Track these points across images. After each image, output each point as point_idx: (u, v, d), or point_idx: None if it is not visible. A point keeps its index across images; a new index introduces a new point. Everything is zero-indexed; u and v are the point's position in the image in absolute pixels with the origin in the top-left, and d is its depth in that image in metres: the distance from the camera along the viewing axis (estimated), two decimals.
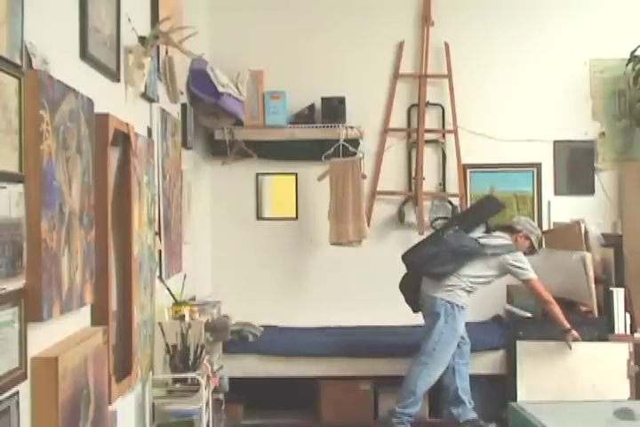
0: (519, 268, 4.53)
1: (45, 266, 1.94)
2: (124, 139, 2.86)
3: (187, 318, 3.64)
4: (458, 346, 4.57)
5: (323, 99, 5.36)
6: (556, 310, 4.52)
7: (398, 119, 5.53)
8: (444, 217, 5.39)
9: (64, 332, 2.21)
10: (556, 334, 4.60)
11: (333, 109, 5.35)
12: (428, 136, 5.49)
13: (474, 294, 4.59)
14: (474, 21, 5.48)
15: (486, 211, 4.84)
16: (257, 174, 5.49)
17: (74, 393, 2.12)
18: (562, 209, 5.43)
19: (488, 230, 4.73)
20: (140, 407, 3.22)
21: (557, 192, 5.54)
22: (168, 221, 3.82)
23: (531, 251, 4.66)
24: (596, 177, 5.53)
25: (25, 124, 1.87)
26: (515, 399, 4.39)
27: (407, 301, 4.66)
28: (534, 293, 4.58)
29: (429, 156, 5.52)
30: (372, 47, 5.50)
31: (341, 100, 5.35)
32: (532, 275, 4.52)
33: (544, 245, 5.36)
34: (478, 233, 4.67)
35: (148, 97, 3.36)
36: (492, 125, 5.46)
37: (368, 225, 5.29)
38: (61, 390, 1.99)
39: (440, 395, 4.68)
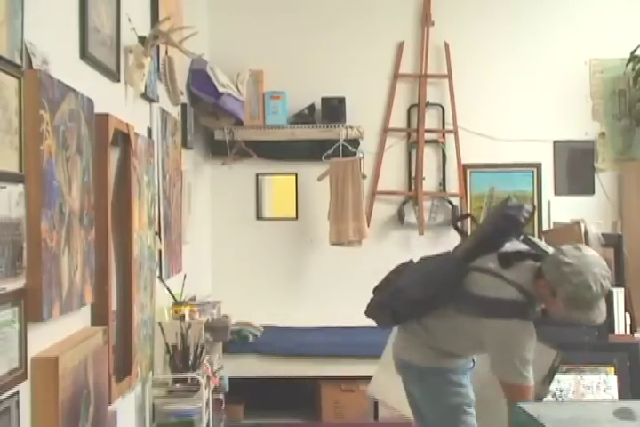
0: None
1: (45, 266, 1.94)
2: (123, 139, 2.86)
3: (187, 318, 3.64)
4: None
5: (323, 99, 5.36)
6: None
7: (398, 119, 5.53)
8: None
9: (64, 332, 2.21)
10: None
11: (333, 109, 5.35)
12: (428, 136, 5.49)
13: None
14: (474, 21, 5.48)
15: (488, 232, 2.98)
16: (257, 174, 5.49)
17: (74, 393, 2.12)
18: (562, 209, 5.43)
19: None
20: (140, 407, 3.22)
21: (557, 192, 5.54)
22: (168, 221, 3.82)
23: (546, 314, 2.94)
24: (596, 177, 5.53)
25: (25, 124, 1.87)
26: None
27: None
28: (514, 398, 2.71)
29: (429, 156, 5.52)
30: (372, 47, 5.50)
31: (341, 100, 5.36)
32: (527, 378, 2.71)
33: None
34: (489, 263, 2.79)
35: (147, 97, 3.36)
36: (492, 125, 5.47)
37: (368, 225, 5.30)
38: (61, 390, 1.99)
39: None
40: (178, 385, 3.43)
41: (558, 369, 3.22)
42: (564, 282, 2.58)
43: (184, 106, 4.50)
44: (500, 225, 2.99)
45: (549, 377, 3.12)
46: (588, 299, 2.57)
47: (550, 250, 2.77)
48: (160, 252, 3.64)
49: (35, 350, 1.95)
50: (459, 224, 3.90)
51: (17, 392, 1.83)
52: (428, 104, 5.49)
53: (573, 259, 2.59)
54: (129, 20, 3.01)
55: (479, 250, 2.81)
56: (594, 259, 2.61)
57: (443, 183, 5.51)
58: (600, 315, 2.63)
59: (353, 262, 5.40)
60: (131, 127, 2.88)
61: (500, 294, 2.68)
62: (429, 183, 5.48)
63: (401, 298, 2.88)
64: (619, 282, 4.82)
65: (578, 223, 4.91)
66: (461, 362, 2.95)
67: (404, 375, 3.03)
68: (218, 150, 5.30)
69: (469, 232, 3.48)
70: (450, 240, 5.42)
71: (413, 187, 5.46)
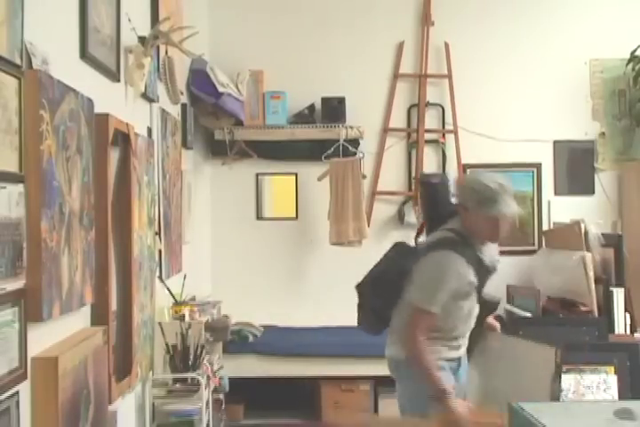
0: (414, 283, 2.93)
1: (45, 266, 1.94)
2: (123, 139, 2.86)
3: (187, 318, 3.64)
4: None
5: (323, 99, 5.36)
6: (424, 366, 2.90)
7: (398, 119, 5.53)
8: None
9: (64, 332, 2.21)
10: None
11: (333, 109, 5.34)
12: (428, 136, 5.49)
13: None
14: (474, 21, 5.48)
15: (424, 207, 3.46)
16: (257, 174, 5.49)
17: (74, 393, 2.12)
18: (562, 209, 5.43)
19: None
20: (140, 407, 3.22)
21: (557, 192, 5.54)
22: (168, 221, 3.82)
23: (491, 235, 2.98)
24: (596, 177, 5.53)
25: (25, 124, 1.87)
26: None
27: None
28: (409, 322, 2.91)
29: (429, 156, 5.51)
30: (372, 47, 5.50)
31: (341, 100, 5.35)
32: (417, 300, 2.89)
33: (544, 245, 5.37)
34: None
35: (147, 97, 3.36)
36: (492, 125, 5.47)
37: (368, 225, 5.30)
38: (61, 390, 1.99)
39: None
40: (178, 385, 3.43)
41: (562, 366, 3.27)
42: (467, 195, 2.98)
43: (184, 106, 4.50)
44: (424, 194, 3.44)
45: (557, 375, 3.16)
46: (490, 195, 2.94)
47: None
48: (160, 252, 3.64)
49: (35, 350, 1.95)
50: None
51: (17, 392, 1.83)
52: (427, 104, 5.49)
53: (467, 179, 3.29)
54: (129, 20, 3.01)
55: (432, 225, 3.16)
56: (484, 172, 3.18)
57: None
58: (509, 207, 2.97)
59: (353, 262, 5.38)
60: (131, 127, 2.88)
61: (433, 238, 3.06)
62: None
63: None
64: (619, 282, 4.83)
65: (578, 223, 4.91)
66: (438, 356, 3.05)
67: (390, 373, 3.17)
68: (218, 150, 5.30)
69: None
70: None
71: (413, 187, 5.46)
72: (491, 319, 3.34)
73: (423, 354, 2.89)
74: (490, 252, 3.06)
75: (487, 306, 3.18)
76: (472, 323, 3.10)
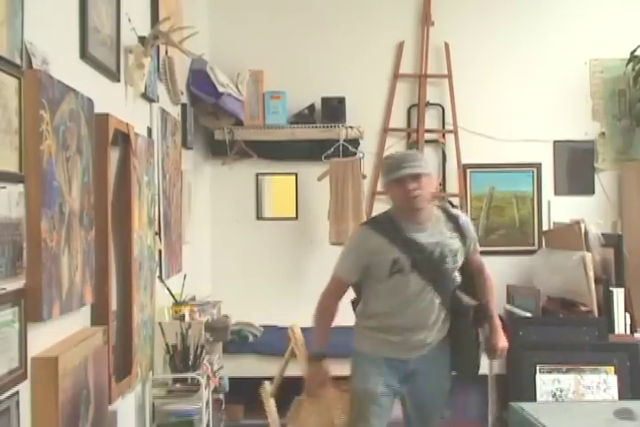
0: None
1: (45, 266, 1.94)
2: (123, 139, 2.86)
3: (187, 318, 3.64)
4: None
5: (323, 99, 5.36)
6: (315, 325, 3.28)
7: (398, 119, 5.53)
8: None
9: (64, 332, 2.21)
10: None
11: (333, 109, 5.34)
12: (428, 136, 5.49)
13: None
14: (474, 21, 5.48)
15: None
16: (257, 174, 5.49)
17: (74, 393, 2.12)
18: (562, 209, 5.42)
19: None
20: (140, 407, 3.22)
21: (557, 192, 5.53)
22: (168, 221, 3.82)
23: (401, 203, 3.08)
24: (596, 177, 5.53)
25: (25, 124, 1.87)
26: (515, 399, 4.38)
27: None
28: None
29: (429, 156, 5.50)
30: (372, 47, 5.50)
31: (341, 100, 5.35)
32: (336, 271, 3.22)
33: (544, 245, 5.37)
34: None
35: (147, 97, 3.36)
36: (492, 125, 5.46)
37: None
38: (61, 390, 1.99)
39: None
40: (178, 385, 3.43)
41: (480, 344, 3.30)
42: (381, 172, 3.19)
43: (184, 106, 4.50)
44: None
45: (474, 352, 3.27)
46: (384, 168, 3.11)
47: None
48: (160, 252, 3.64)
49: (35, 350, 1.95)
50: None
51: (17, 392, 1.83)
52: (428, 104, 5.49)
53: None
54: (129, 20, 3.01)
55: None
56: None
57: (443, 183, 5.51)
58: (397, 171, 3.01)
59: None
60: (131, 127, 2.88)
61: None
62: None
63: None
64: (619, 282, 4.83)
65: (578, 223, 4.91)
66: (381, 350, 3.15)
67: None
68: (218, 150, 5.30)
69: None
70: None
71: None
72: (500, 342, 3.29)
73: (321, 315, 3.22)
74: (436, 235, 3.08)
75: (458, 309, 3.16)
76: (418, 313, 3.08)
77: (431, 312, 3.08)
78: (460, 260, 3.15)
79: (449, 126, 5.48)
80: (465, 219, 3.26)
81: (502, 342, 3.30)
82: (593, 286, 4.70)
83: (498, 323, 3.30)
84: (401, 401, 3.26)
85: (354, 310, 3.34)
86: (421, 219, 3.07)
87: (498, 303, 5.13)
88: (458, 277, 3.17)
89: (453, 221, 3.16)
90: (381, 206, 5.48)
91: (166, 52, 3.66)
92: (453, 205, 5.47)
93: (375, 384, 3.12)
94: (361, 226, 3.25)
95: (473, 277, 3.29)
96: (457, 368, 3.22)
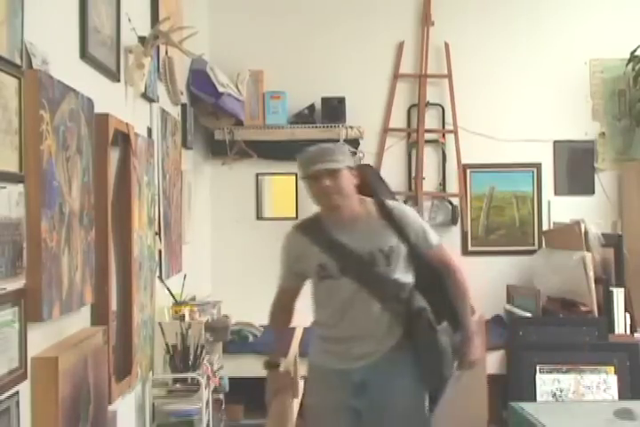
0: None
1: (45, 266, 1.94)
2: (123, 139, 2.86)
3: (187, 318, 3.64)
4: None
5: (323, 99, 5.36)
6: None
7: (398, 119, 5.53)
8: None
9: (64, 332, 2.21)
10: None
11: (333, 109, 5.34)
12: (428, 136, 5.49)
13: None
14: (474, 21, 5.48)
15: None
16: (257, 174, 5.49)
17: (74, 393, 2.12)
18: (562, 209, 5.42)
19: None
20: (140, 407, 3.22)
21: (557, 192, 5.53)
22: (168, 221, 3.82)
23: (318, 201, 2.86)
24: (596, 177, 5.53)
25: (25, 124, 1.87)
26: (515, 399, 4.39)
27: None
28: None
29: (429, 156, 5.51)
30: (372, 47, 5.50)
31: (341, 100, 5.35)
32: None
33: (544, 245, 5.37)
34: None
35: (147, 97, 3.36)
36: (492, 125, 5.46)
37: None
38: (61, 390, 1.99)
39: None
40: (178, 385, 3.43)
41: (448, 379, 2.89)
42: None
43: (184, 106, 4.50)
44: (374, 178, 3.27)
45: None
46: (304, 157, 2.81)
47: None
48: (160, 252, 3.64)
49: (35, 350, 1.95)
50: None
51: (17, 392, 1.83)
52: (427, 104, 5.49)
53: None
54: (129, 20, 3.01)
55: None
56: None
57: (443, 183, 5.51)
58: (309, 166, 2.77)
59: None
60: (131, 127, 2.88)
61: None
62: (429, 183, 5.48)
63: None
64: (619, 282, 4.83)
65: (578, 223, 4.91)
66: (328, 360, 2.89)
67: None
68: (218, 150, 5.30)
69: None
70: (450, 240, 5.43)
71: (413, 187, 5.46)
72: (470, 353, 2.91)
73: (271, 322, 3.25)
74: (366, 235, 2.80)
75: (411, 314, 2.80)
76: (355, 320, 2.81)
77: (370, 319, 2.78)
78: (402, 259, 2.81)
79: (449, 126, 5.48)
80: (401, 209, 2.92)
81: (473, 353, 2.90)
82: (593, 285, 4.70)
83: (472, 331, 2.91)
84: (361, 420, 2.83)
85: None
86: (346, 218, 2.80)
87: (499, 303, 5.23)
88: (406, 277, 2.82)
89: (387, 215, 2.84)
90: (404, 206, 5.49)
91: (166, 52, 3.66)
92: (453, 205, 5.48)
93: (324, 398, 2.86)
94: (289, 230, 2.99)
95: (442, 276, 2.91)
96: (423, 378, 2.82)
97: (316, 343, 2.97)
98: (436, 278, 2.89)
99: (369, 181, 2.94)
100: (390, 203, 2.91)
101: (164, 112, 3.76)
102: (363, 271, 2.78)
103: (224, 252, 5.47)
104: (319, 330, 2.96)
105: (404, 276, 2.82)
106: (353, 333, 2.81)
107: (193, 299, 4.22)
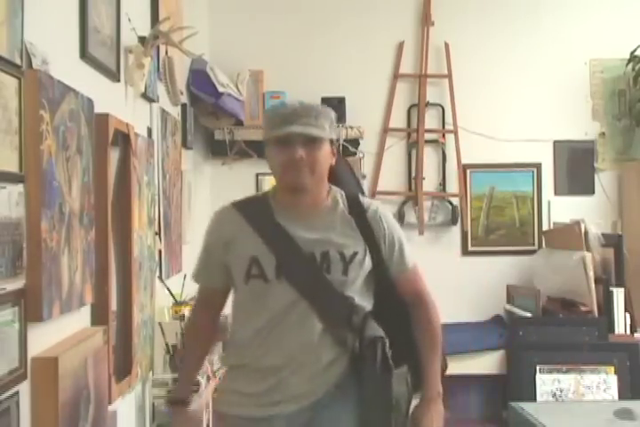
0: None
1: (45, 266, 1.94)
2: (123, 139, 2.85)
3: (187, 318, 3.64)
4: None
5: (323, 99, 5.35)
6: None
7: (398, 119, 5.53)
8: None
9: (64, 332, 2.21)
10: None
11: (333, 109, 5.31)
12: (428, 136, 5.49)
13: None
14: (474, 21, 5.48)
15: None
16: (257, 174, 5.49)
17: (74, 393, 2.12)
18: (562, 209, 5.42)
19: None
20: (140, 407, 3.22)
21: (557, 192, 5.53)
22: (168, 221, 3.82)
23: (277, 172, 2.36)
24: (596, 177, 5.53)
25: (25, 124, 1.87)
26: (515, 399, 4.39)
27: None
28: None
29: (429, 156, 5.51)
30: (372, 47, 5.50)
31: (341, 100, 5.35)
32: None
33: (544, 245, 5.37)
34: None
35: (148, 97, 3.36)
36: (492, 125, 5.46)
37: None
38: (61, 390, 1.99)
39: None
40: None
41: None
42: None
43: (184, 106, 4.50)
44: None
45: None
46: (274, 114, 2.22)
47: None
48: (160, 252, 3.64)
49: (35, 350, 1.95)
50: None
51: (17, 392, 1.83)
52: (427, 104, 5.49)
53: None
54: (129, 20, 3.01)
55: None
56: None
57: (443, 183, 5.51)
58: (278, 126, 2.18)
59: None
60: (131, 127, 2.88)
61: None
62: (429, 183, 5.48)
63: None
64: (619, 282, 4.84)
65: (578, 223, 4.91)
66: (241, 405, 2.16)
67: None
68: (218, 150, 5.30)
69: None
70: (450, 240, 5.43)
71: (413, 187, 5.46)
72: (426, 420, 2.16)
73: (186, 335, 2.53)
74: (321, 229, 2.14)
75: (358, 346, 2.10)
76: (288, 342, 2.09)
77: (305, 343, 2.07)
78: (362, 274, 2.13)
79: (449, 126, 5.48)
80: (378, 210, 2.23)
81: (431, 421, 2.15)
82: (593, 285, 4.70)
83: (437, 394, 2.18)
84: None
85: None
86: (304, 204, 2.17)
87: (499, 303, 5.23)
88: (362, 300, 2.14)
89: (358, 213, 2.18)
90: (383, 208, 5.49)
91: (166, 52, 3.66)
92: (453, 205, 5.48)
93: None
94: (224, 205, 2.42)
95: (411, 309, 2.22)
96: None
97: (226, 380, 2.26)
98: (402, 311, 2.21)
99: (337, 171, 2.28)
100: (366, 200, 2.28)
101: (164, 112, 3.76)
102: (308, 276, 2.08)
103: None
104: (232, 358, 2.22)
105: (361, 298, 2.14)
106: (278, 361, 2.08)
107: (193, 299, 4.21)
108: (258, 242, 2.14)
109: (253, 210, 2.26)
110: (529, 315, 4.86)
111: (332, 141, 2.21)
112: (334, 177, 2.27)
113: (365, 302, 2.15)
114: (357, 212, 2.19)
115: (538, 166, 5.52)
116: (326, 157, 2.16)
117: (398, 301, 2.22)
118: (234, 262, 2.19)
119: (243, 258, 2.14)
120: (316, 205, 2.19)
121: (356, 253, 2.12)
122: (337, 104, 5.34)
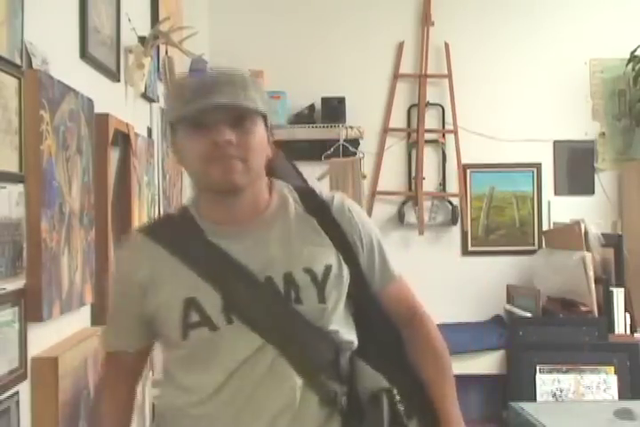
0: None
1: (45, 266, 1.94)
2: (123, 139, 2.85)
3: None
4: None
5: (323, 99, 5.36)
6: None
7: (398, 119, 5.53)
8: None
9: (64, 332, 2.21)
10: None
11: (333, 109, 5.34)
12: (428, 136, 5.49)
13: None
14: (474, 21, 5.48)
15: None
16: None
17: (74, 393, 2.12)
18: (562, 209, 5.42)
19: None
20: (140, 407, 3.22)
21: (557, 192, 5.53)
22: None
23: (198, 170, 1.58)
24: (596, 177, 5.53)
25: (25, 124, 1.87)
26: (515, 399, 4.39)
27: None
28: None
29: (429, 156, 5.51)
30: (372, 47, 5.50)
31: (341, 100, 5.35)
32: None
33: (544, 245, 5.37)
34: None
35: (147, 97, 3.36)
36: (492, 125, 5.46)
37: None
38: (61, 390, 1.99)
39: None
40: None
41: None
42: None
43: None
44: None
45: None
46: (183, 86, 1.70)
47: None
48: None
49: (35, 350, 1.95)
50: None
51: (17, 392, 1.83)
52: (427, 104, 5.49)
53: None
54: (129, 20, 3.01)
55: None
56: None
57: (443, 183, 5.51)
58: (210, 97, 1.53)
59: None
60: (131, 127, 2.88)
61: None
62: (429, 183, 5.48)
63: None
64: (619, 282, 4.84)
65: (578, 223, 4.91)
66: None
67: None
68: None
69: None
70: (450, 240, 5.43)
71: (413, 187, 5.46)
72: None
73: (93, 409, 1.91)
74: (273, 243, 1.57)
75: (353, 402, 1.56)
76: (252, 408, 1.52)
77: (287, 405, 1.51)
78: (343, 291, 1.58)
79: (449, 126, 5.48)
80: (344, 204, 1.69)
81: None
82: (593, 285, 4.70)
83: None
84: None
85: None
86: (242, 210, 1.59)
87: (499, 303, 5.24)
88: (347, 331, 1.61)
89: (318, 209, 1.64)
90: (381, 206, 5.50)
91: (166, 52, 3.65)
92: (453, 205, 5.48)
93: None
94: (132, 234, 1.76)
95: (406, 331, 1.69)
96: None
97: None
98: (396, 339, 1.68)
99: (273, 165, 1.77)
100: (325, 193, 1.73)
101: (164, 112, 3.76)
102: (271, 312, 1.52)
103: None
104: (179, 400, 1.71)
105: (346, 329, 1.60)
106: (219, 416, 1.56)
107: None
108: (190, 277, 1.54)
109: (173, 233, 1.61)
110: (529, 315, 4.86)
111: (267, 123, 1.62)
112: (274, 175, 1.76)
113: (351, 335, 1.61)
114: (318, 208, 1.64)
115: (538, 166, 5.51)
116: (262, 144, 1.59)
117: (387, 324, 1.66)
118: (159, 312, 1.59)
119: (172, 304, 1.55)
120: (258, 208, 1.61)
121: (329, 268, 1.55)
122: (337, 104, 5.35)
